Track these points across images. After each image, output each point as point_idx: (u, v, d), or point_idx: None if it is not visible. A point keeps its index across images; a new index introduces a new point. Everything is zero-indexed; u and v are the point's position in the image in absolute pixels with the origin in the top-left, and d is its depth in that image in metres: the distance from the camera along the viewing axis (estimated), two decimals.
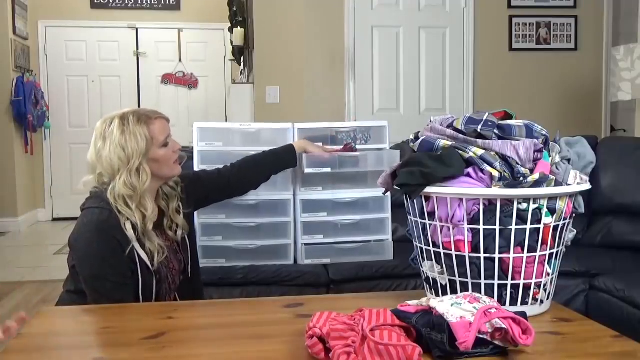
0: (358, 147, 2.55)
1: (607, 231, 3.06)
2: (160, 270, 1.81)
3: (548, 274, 1.53)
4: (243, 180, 2.26)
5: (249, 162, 2.27)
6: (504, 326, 1.22)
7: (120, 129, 1.78)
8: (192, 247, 1.99)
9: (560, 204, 1.50)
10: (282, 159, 2.34)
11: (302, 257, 2.53)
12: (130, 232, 1.75)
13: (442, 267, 1.54)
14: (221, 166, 2.27)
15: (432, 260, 1.57)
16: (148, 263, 1.77)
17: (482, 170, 1.52)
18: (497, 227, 1.46)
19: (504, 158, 1.53)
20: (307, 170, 2.41)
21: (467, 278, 1.50)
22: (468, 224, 1.48)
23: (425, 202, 1.55)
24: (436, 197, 1.51)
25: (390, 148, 2.59)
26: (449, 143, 1.59)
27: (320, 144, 2.45)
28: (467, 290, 1.47)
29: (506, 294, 1.50)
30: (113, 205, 1.76)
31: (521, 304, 1.50)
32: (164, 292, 1.84)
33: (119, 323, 1.50)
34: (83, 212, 1.82)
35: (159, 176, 1.85)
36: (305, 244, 2.53)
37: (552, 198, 1.49)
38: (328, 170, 2.44)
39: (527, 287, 1.50)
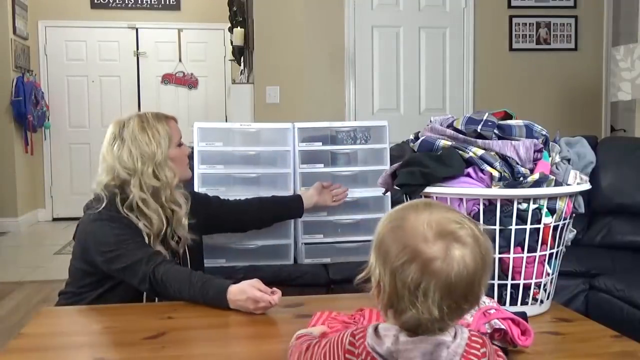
0: (358, 146, 2.56)
1: (607, 231, 3.06)
2: None
3: (548, 274, 1.54)
4: (244, 220, 2.26)
5: (255, 204, 2.27)
6: (503, 327, 1.22)
7: (140, 126, 1.82)
8: (194, 259, 1.97)
9: (560, 204, 1.50)
10: (287, 209, 2.34)
11: (302, 256, 2.53)
12: (141, 226, 1.76)
13: None
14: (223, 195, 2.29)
15: None
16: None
17: (482, 170, 1.52)
18: (497, 227, 1.46)
19: (504, 158, 1.54)
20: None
21: None
22: None
23: None
24: (436, 197, 1.51)
25: (390, 148, 2.58)
26: (449, 143, 1.59)
27: (328, 183, 2.41)
28: None
29: (506, 294, 1.50)
30: (120, 208, 1.76)
31: (521, 304, 1.50)
32: None
33: (119, 323, 1.50)
34: (90, 211, 1.80)
35: (178, 177, 1.89)
36: (305, 244, 2.53)
37: (552, 198, 1.49)
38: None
39: (527, 287, 1.50)
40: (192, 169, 2.44)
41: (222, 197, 2.24)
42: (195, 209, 1.95)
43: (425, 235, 0.87)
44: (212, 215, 2.10)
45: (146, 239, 1.77)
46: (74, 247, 1.87)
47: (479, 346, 0.90)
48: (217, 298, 1.57)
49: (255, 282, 1.57)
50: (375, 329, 0.91)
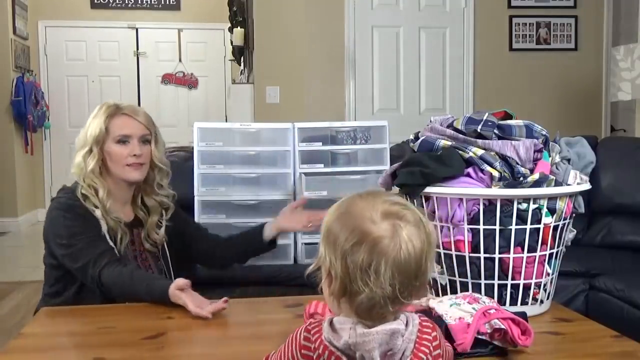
0: (358, 146, 2.56)
1: (607, 231, 3.06)
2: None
3: (548, 274, 1.53)
4: (215, 254, 2.05)
5: (225, 242, 2.07)
6: (503, 327, 1.22)
7: (93, 114, 1.85)
8: (174, 256, 1.94)
9: (560, 204, 1.50)
10: (248, 244, 2.05)
11: (302, 256, 2.53)
12: (98, 214, 1.77)
13: (442, 267, 1.54)
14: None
15: None
16: (115, 250, 1.77)
17: (482, 170, 1.52)
18: (497, 227, 1.46)
19: (504, 158, 1.53)
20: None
21: (467, 278, 1.50)
22: (468, 224, 1.48)
23: (425, 202, 1.55)
24: (436, 197, 1.51)
25: (390, 148, 2.58)
26: (449, 143, 1.59)
27: (299, 203, 2.06)
28: (467, 290, 1.47)
29: (506, 294, 1.50)
30: (80, 196, 1.77)
31: (521, 304, 1.50)
32: None
33: (119, 323, 1.50)
34: (51, 202, 1.84)
35: (113, 173, 1.83)
36: (305, 244, 2.53)
37: (552, 198, 1.49)
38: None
39: (527, 287, 1.50)
40: (191, 169, 2.44)
41: (202, 226, 2.15)
42: (174, 221, 1.94)
43: (372, 216, 0.89)
44: (186, 236, 2.00)
45: (103, 227, 1.76)
46: None
47: (430, 330, 0.94)
48: (161, 298, 1.58)
49: (195, 299, 1.54)
50: (330, 323, 0.92)
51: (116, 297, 1.69)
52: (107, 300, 1.71)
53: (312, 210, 2.00)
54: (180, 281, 1.57)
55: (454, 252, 1.50)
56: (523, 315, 1.26)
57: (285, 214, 2.02)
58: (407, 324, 0.91)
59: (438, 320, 1.24)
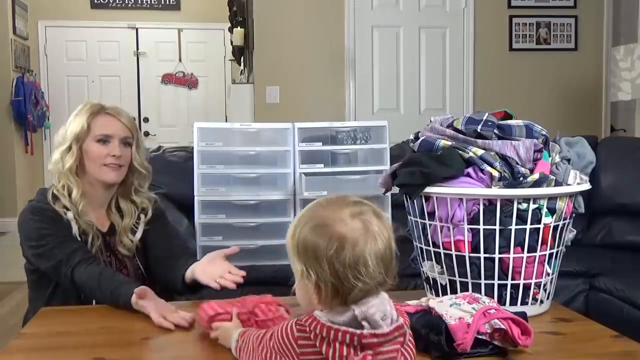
0: (358, 146, 2.56)
1: (607, 231, 3.06)
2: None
3: (548, 274, 1.54)
4: (172, 267, 1.85)
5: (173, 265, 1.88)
6: (503, 327, 1.22)
7: (75, 112, 1.85)
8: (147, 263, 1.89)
9: (560, 204, 1.50)
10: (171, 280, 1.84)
11: None
12: (70, 216, 1.74)
13: (442, 267, 1.54)
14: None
15: (432, 260, 1.57)
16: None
17: (482, 170, 1.52)
18: (497, 227, 1.46)
19: (504, 158, 1.54)
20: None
21: (467, 278, 1.50)
22: (468, 224, 1.48)
23: (425, 202, 1.55)
24: (436, 197, 1.51)
25: (390, 148, 2.58)
26: (449, 143, 1.59)
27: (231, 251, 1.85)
28: (467, 290, 1.47)
29: (506, 294, 1.50)
30: (50, 199, 1.76)
31: (521, 304, 1.50)
32: None
33: (119, 323, 1.50)
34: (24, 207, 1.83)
35: (88, 172, 1.79)
36: None
37: (552, 198, 1.49)
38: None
39: (527, 287, 1.50)
40: (191, 169, 2.44)
41: (185, 246, 2.11)
42: (154, 222, 1.89)
43: (343, 219, 0.97)
44: (150, 248, 1.91)
45: (74, 228, 1.74)
46: None
47: (393, 301, 1.04)
48: (125, 306, 1.57)
49: (159, 307, 1.50)
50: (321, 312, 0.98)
51: (87, 297, 1.69)
52: (81, 302, 1.71)
53: (232, 265, 1.79)
54: (140, 290, 1.52)
55: (454, 252, 1.50)
56: (523, 315, 1.26)
57: (205, 262, 1.79)
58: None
59: (438, 320, 1.24)
